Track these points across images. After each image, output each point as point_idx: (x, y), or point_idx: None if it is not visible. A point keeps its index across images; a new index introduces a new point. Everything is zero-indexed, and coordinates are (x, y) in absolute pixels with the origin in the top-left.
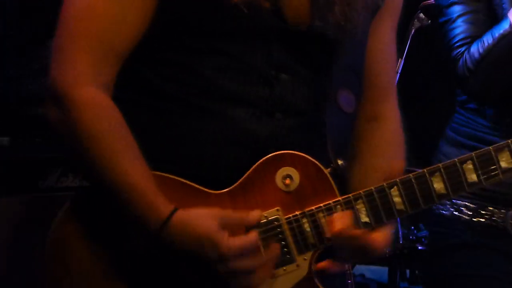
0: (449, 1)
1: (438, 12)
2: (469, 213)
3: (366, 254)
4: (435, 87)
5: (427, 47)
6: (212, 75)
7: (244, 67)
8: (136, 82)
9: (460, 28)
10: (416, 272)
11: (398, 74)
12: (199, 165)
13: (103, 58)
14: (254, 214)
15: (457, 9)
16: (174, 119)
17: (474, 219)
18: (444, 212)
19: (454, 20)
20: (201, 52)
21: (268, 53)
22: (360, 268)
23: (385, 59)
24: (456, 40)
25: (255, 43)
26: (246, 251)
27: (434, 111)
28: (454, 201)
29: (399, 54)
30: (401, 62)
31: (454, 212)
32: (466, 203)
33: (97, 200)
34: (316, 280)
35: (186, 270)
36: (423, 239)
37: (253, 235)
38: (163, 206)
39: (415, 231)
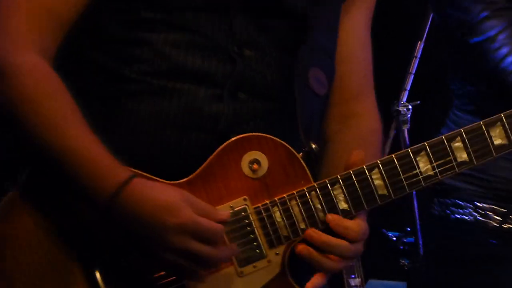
0: (478, 18)
1: (467, 30)
2: (498, 218)
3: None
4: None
5: None
6: (169, 51)
7: (203, 42)
8: (83, 65)
9: (505, 47)
10: None
11: (418, 59)
12: (154, 152)
13: (44, 23)
14: (224, 212)
15: (490, 25)
16: (126, 102)
17: (504, 226)
18: (465, 217)
19: (494, 39)
20: (157, 26)
21: (230, 27)
22: (373, 284)
23: (356, 54)
24: (508, 62)
25: (215, 16)
26: (210, 236)
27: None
28: (476, 203)
29: (419, 36)
30: (421, 46)
31: (479, 218)
32: (493, 207)
33: (31, 194)
34: (291, 279)
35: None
36: None
37: (221, 226)
38: (122, 169)
39: None
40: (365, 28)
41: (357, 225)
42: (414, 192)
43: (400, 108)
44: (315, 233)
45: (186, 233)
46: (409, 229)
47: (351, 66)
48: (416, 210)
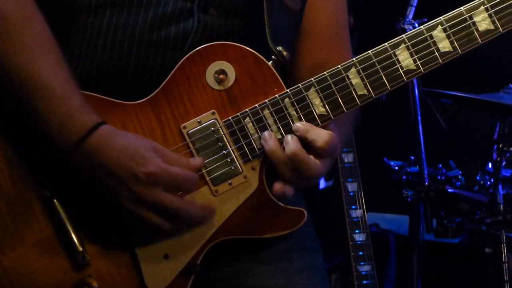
0: None
1: None
2: None
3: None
4: None
5: None
6: None
7: None
8: None
9: None
10: (445, 221)
11: None
12: (116, 69)
13: None
14: (196, 161)
15: None
16: (85, 17)
17: None
18: None
19: None
20: None
21: None
22: (373, 217)
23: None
24: None
25: None
26: (182, 184)
27: None
28: None
29: None
30: None
31: None
32: None
33: None
34: (270, 195)
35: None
36: (453, 180)
37: (194, 175)
38: (91, 114)
39: (444, 170)
40: None
41: (328, 134)
42: (419, 117)
43: (406, 26)
44: (292, 138)
45: (155, 183)
46: (412, 157)
47: (322, 12)
48: (421, 136)
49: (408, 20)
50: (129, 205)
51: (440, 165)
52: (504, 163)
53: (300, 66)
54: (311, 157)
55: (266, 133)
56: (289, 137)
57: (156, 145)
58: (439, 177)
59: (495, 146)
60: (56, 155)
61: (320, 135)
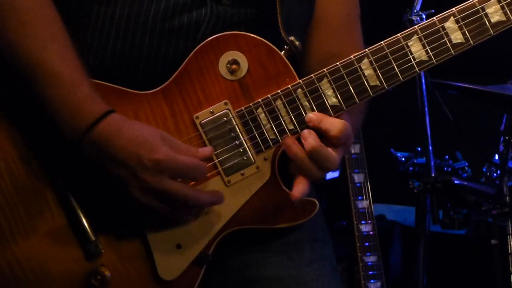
0: None
1: None
2: None
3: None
4: None
5: None
6: None
7: None
8: None
9: None
10: (451, 213)
11: None
12: (128, 59)
13: None
14: (205, 150)
15: None
16: (98, 7)
17: None
18: None
19: None
20: None
21: None
22: (379, 208)
23: None
24: None
25: None
26: (191, 173)
27: None
28: None
29: None
30: None
31: None
32: None
33: None
34: (282, 185)
35: (105, 186)
36: (460, 171)
37: (203, 163)
38: (100, 102)
39: (451, 161)
40: None
41: (341, 123)
42: (426, 109)
43: (413, 18)
44: (310, 134)
45: (163, 171)
46: (419, 149)
47: (333, 2)
48: (428, 127)
49: (415, 11)
50: (138, 194)
51: (447, 157)
52: (510, 154)
53: (311, 56)
54: (329, 149)
55: (306, 131)
56: (306, 132)
57: (165, 134)
58: (445, 169)
59: (502, 138)
60: (67, 143)
61: (334, 124)
